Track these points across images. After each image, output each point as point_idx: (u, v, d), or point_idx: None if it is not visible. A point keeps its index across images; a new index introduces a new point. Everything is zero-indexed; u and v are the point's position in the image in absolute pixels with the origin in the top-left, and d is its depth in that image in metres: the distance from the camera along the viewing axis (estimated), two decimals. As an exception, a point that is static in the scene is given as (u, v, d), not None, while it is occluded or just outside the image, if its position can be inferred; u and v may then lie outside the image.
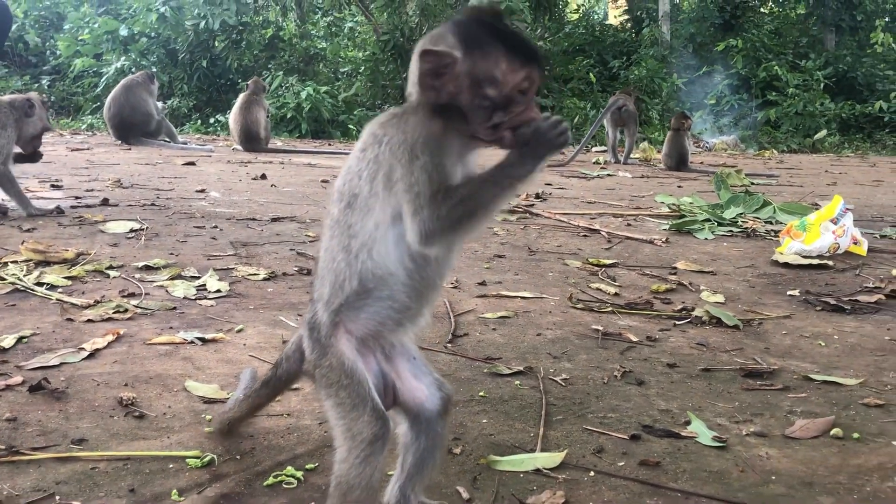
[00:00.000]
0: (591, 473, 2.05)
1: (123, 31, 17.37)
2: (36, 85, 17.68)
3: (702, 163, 11.88)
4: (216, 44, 17.42)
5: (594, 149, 13.68)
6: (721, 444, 2.23)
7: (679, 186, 8.76)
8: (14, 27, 17.89)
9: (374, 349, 1.73)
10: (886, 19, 22.36)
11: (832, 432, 2.32)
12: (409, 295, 1.66)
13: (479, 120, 1.60)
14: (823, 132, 17.54)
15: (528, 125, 1.58)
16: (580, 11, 25.45)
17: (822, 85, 18.54)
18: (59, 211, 5.39)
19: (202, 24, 16.48)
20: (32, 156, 5.59)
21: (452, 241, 1.62)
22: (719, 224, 5.81)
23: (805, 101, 18.00)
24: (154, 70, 15.40)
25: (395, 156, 1.58)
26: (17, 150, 5.42)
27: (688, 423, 2.37)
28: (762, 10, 23.22)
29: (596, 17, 26.30)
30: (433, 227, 1.53)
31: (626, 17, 23.89)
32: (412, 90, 1.65)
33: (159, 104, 11.98)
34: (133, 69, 15.57)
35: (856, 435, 2.31)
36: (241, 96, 11.36)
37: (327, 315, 1.67)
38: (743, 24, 21.08)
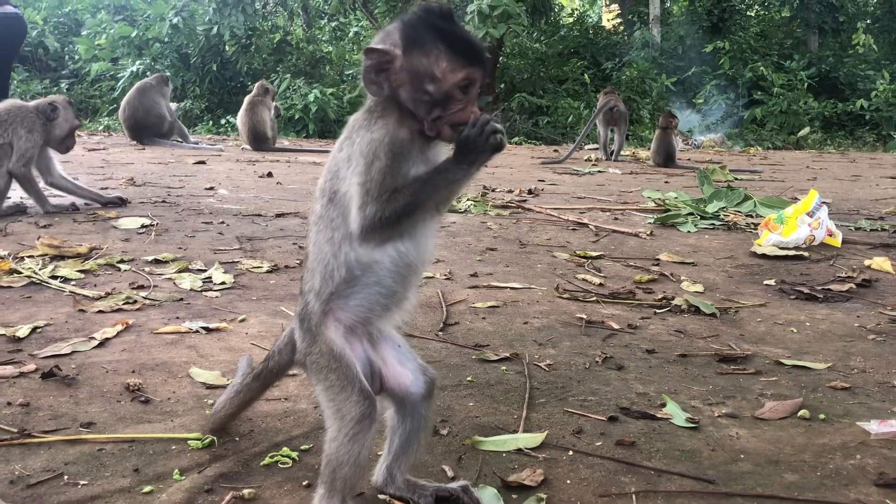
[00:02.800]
0: (570, 453, 2.07)
1: (134, 33, 17.37)
2: (55, 88, 17.69)
3: (689, 159, 11.87)
4: (227, 48, 17.42)
5: (587, 146, 13.67)
6: (694, 425, 2.25)
7: (666, 182, 8.77)
8: (34, 33, 17.93)
9: (361, 337, 1.76)
10: (868, 21, 22.31)
11: (799, 413, 2.34)
12: (394, 280, 1.69)
13: (422, 114, 1.64)
14: (807, 129, 17.55)
15: (462, 131, 1.61)
16: (575, 15, 25.42)
17: (805, 84, 18.56)
18: (74, 208, 5.43)
19: (213, 29, 16.49)
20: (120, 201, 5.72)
21: (390, 238, 1.64)
22: (702, 218, 5.83)
23: (789, 100, 18.02)
24: (168, 74, 15.43)
25: (362, 153, 1.62)
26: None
27: (663, 405, 2.39)
28: (748, 13, 23.21)
29: (590, 20, 26.22)
30: (374, 223, 1.59)
31: (618, 20, 23.85)
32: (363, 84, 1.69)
33: (173, 106, 11.99)
34: (148, 73, 15.58)
35: (822, 416, 2.33)
36: (247, 99, 11.39)
37: (318, 304, 1.69)
38: (730, 27, 21.06)
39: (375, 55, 1.62)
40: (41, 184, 5.45)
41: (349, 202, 1.63)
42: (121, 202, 5.68)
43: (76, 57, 18.36)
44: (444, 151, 1.70)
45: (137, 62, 16.88)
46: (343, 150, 1.67)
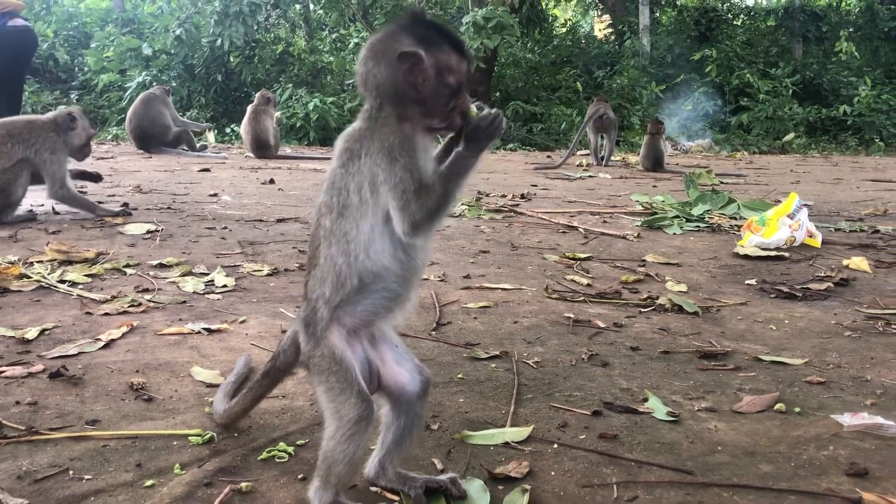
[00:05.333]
0: (555, 446, 2.09)
1: (147, 50, 17.38)
2: (65, 99, 17.72)
3: (677, 164, 11.89)
4: (231, 59, 17.44)
5: (579, 152, 13.69)
6: (674, 419, 2.27)
7: (654, 186, 8.79)
8: (44, 46, 17.95)
9: (362, 338, 1.78)
10: (850, 30, 22.40)
11: (776, 407, 2.36)
12: (399, 284, 1.72)
13: (440, 107, 1.70)
14: (791, 135, 17.59)
15: (471, 123, 1.70)
16: (567, 25, 25.48)
17: (790, 91, 18.61)
18: (126, 213, 5.53)
19: (217, 41, 16.51)
20: (96, 177, 5.91)
21: (433, 229, 1.71)
22: (688, 220, 5.85)
23: (775, 106, 18.06)
24: (173, 84, 15.46)
25: (377, 163, 1.65)
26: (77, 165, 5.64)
27: (645, 400, 2.41)
28: (735, 22, 23.25)
29: (582, 30, 26.29)
30: (421, 218, 1.63)
31: (609, 29, 23.92)
32: (368, 93, 1.72)
33: (203, 124, 11.97)
34: (154, 84, 15.61)
35: (797, 409, 2.35)
36: (250, 108, 11.40)
37: (327, 311, 1.71)
38: (717, 36, 21.12)
39: (409, 58, 1.66)
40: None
41: (382, 209, 1.66)
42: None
43: (85, 69, 18.36)
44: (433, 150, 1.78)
45: (144, 73, 16.90)
46: (347, 165, 1.69)
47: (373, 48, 1.72)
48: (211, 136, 12.28)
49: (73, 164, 5.55)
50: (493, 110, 1.71)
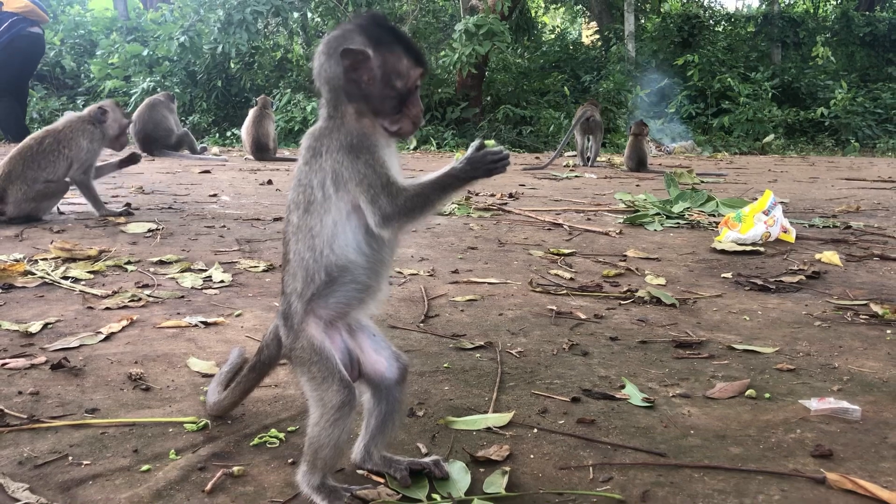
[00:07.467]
0: (535, 430, 2.10)
1: (150, 56, 17.34)
2: (71, 105, 17.65)
3: (660, 164, 11.93)
4: (231, 66, 17.41)
5: (566, 154, 13.72)
6: (649, 405, 2.29)
7: (637, 185, 8.81)
8: (52, 53, 17.91)
9: (340, 329, 1.79)
10: (826, 35, 22.50)
11: (747, 393, 2.37)
12: (368, 276, 1.72)
13: (386, 109, 1.68)
14: (771, 136, 17.66)
15: (481, 149, 1.67)
16: (556, 32, 25.49)
17: (769, 94, 18.70)
18: (128, 212, 5.55)
19: (219, 48, 16.47)
20: (131, 157, 5.85)
21: (404, 227, 1.68)
22: (668, 217, 5.87)
23: (755, 109, 18.14)
24: (177, 90, 15.40)
25: (337, 160, 1.64)
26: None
27: (622, 387, 2.42)
28: (716, 28, 23.35)
29: (570, 36, 26.31)
30: (392, 212, 1.62)
31: (596, 36, 23.97)
32: (322, 88, 1.71)
33: (212, 152, 12.01)
34: (158, 89, 15.57)
35: (767, 395, 2.37)
36: (252, 112, 11.35)
37: (301, 305, 1.71)
38: (699, 42, 21.20)
39: (352, 55, 1.64)
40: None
41: (345, 204, 1.65)
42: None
43: (91, 75, 18.30)
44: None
45: (148, 79, 16.85)
46: (311, 162, 1.68)
47: (327, 43, 1.71)
48: (215, 149, 12.30)
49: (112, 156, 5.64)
50: (505, 151, 1.68)
